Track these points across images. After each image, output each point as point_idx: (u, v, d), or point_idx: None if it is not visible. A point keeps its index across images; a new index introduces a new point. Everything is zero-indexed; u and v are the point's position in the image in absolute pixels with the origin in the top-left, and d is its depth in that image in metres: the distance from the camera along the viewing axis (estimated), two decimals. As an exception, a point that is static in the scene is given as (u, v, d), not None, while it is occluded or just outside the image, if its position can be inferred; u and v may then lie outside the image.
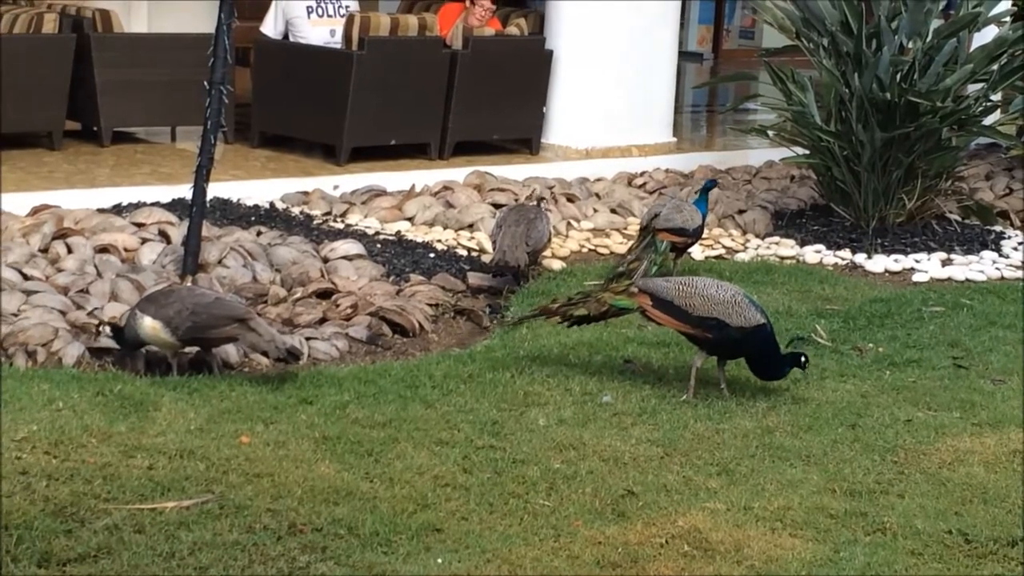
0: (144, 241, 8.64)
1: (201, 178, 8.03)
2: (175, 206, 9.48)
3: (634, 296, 7.22)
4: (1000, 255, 10.52)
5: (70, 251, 8.36)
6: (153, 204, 9.60)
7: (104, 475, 5.59)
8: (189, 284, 7.73)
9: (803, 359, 6.99)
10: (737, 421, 6.75)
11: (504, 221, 9.01)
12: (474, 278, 8.92)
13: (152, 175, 10.54)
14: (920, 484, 6.11)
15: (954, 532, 5.61)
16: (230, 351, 7.14)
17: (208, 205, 8.59)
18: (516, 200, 10.41)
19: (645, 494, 5.82)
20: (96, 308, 7.48)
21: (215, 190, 9.24)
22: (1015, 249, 10.73)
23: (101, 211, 9.30)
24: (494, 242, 8.96)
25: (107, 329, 7.03)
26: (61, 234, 8.56)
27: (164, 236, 8.78)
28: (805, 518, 5.68)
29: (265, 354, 6.92)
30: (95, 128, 11.37)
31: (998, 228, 11.23)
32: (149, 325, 6.78)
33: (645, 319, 7.40)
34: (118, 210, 9.50)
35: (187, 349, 7.00)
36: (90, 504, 5.33)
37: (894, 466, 6.31)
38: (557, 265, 9.55)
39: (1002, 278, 10.01)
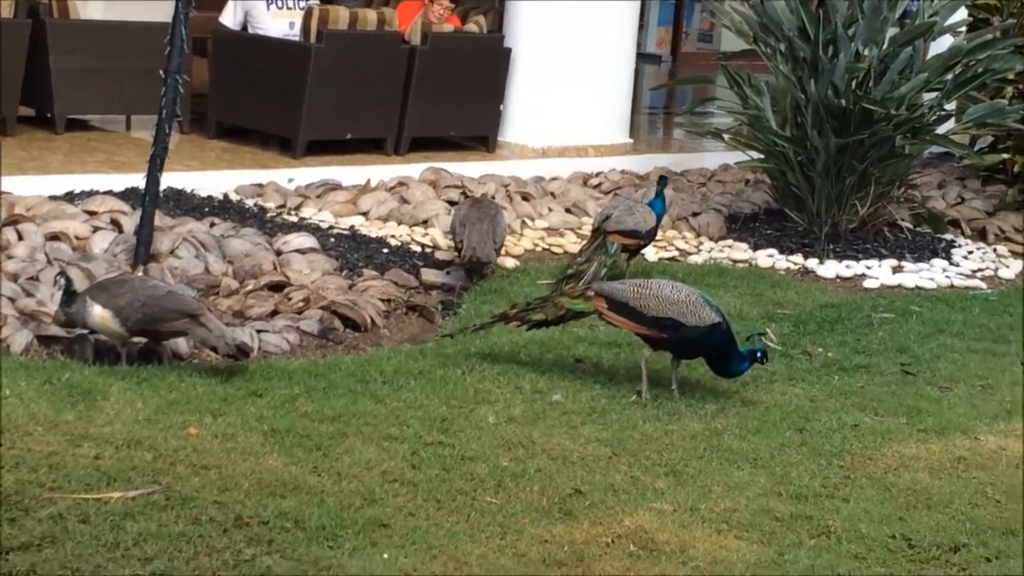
0: (96, 229, 8.59)
1: (155, 167, 7.99)
2: (128, 195, 9.43)
3: (590, 300, 7.25)
4: (950, 263, 10.61)
5: (20, 238, 8.30)
6: (106, 192, 9.55)
7: (50, 464, 5.56)
8: (141, 274, 7.69)
9: (759, 354, 7.01)
10: (686, 423, 6.77)
11: (467, 219, 9.01)
12: (427, 274, 8.92)
13: (106, 163, 10.48)
14: (865, 489, 6.15)
15: (898, 537, 5.65)
16: (180, 342, 7.11)
17: (161, 195, 8.54)
18: (467, 196, 10.41)
19: (592, 493, 5.84)
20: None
21: (169, 180, 9.21)
22: (965, 258, 10.81)
23: (53, 198, 9.25)
24: (461, 240, 8.95)
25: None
26: (12, 221, 8.50)
27: (116, 225, 8.74)
28: (751, 520, 5.71)
29: (215, 350, 6.90)
30: (49, 115, 11.31)
31: (949, 236, 11.32)
32: (99, 314, 6.74)
33: (602, 321, 7.42)
34: (70, 198, 9.45)
35: (136, 339, 6.97)
36: (35, 493, 5.30)
37: (840, 470, 6.35)
38: (511, 263, 9.56)
39: (952, 286, 10.09)
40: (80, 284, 7.25)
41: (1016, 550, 5.63)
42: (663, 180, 9.75)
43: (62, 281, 6.97)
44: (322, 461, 5.90)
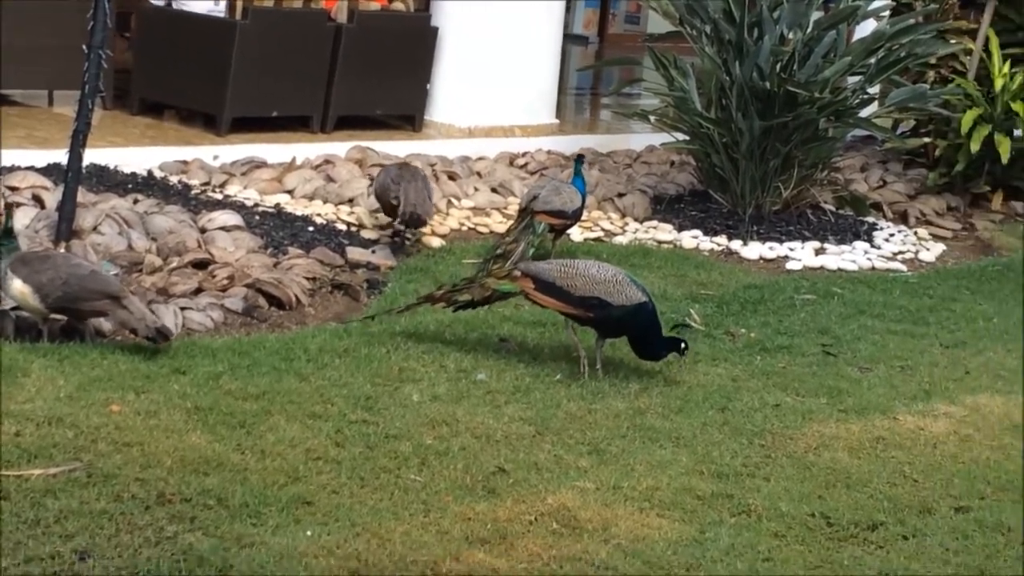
0: (17, 205, 8.50)
1: (77, 143, 7.91)
2: (50, 171, 9.33)
3: (516, 280, 7.28)
4: (872, 246, 10.72)
5: (-60, 213, 8.20)
6: (28, 168, 9.43)
7: (-30, 441, 5.52)
8: (64, 251, 7.62)
9: (683, 345, 7.09)
10: (609, 402, 6.81)
11: (400, 178, 9.11)
12: (353, 252, 8.90)
13: (27, 139, 10.36)
14: (786, 468, 6.22)
15: (817, 515, 5.72)
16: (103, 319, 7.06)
17: (84, 171, 8.45)
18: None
19: (516, 472, 5.87)
20: None
21: (92, 156, 9.12)
22: (887, 240, 10.93)
23: (-27, 173, 9.15)
24: (396, 197, 8.98)
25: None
26: (-68, 195, 8.40)
27: (38, 201, 8.65)
28: (673, 499, 5.75)
29: (134, 332, 6.84)
30: (-30, 89, 11.17)
31: (871, 219, 11.43)
32: (18, 289, 6.68)
33: (527, 301, 7.45)
34: (-9, 173, 9.34)
35: (57, 316, 6.91)
36: (-46, 470, 5.26)
37: (761, 449, 6.41)
38: (436, 243, 9.56)
39: (873, 268, 10.20)
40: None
41: (933, 527, 5.71)
42: (580, 159, 9.79)
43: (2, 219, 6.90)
44: (246, 439, 5.89)
